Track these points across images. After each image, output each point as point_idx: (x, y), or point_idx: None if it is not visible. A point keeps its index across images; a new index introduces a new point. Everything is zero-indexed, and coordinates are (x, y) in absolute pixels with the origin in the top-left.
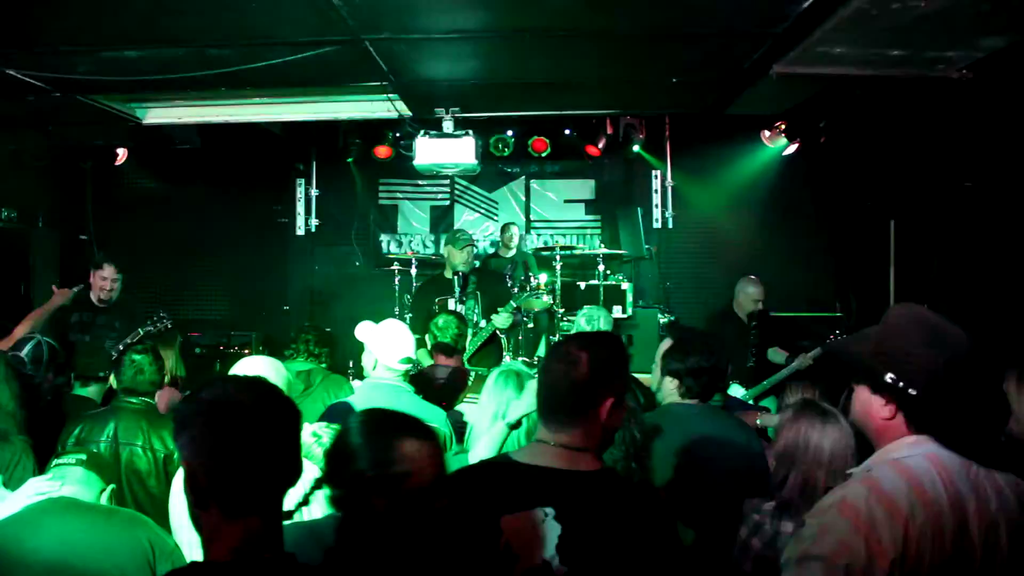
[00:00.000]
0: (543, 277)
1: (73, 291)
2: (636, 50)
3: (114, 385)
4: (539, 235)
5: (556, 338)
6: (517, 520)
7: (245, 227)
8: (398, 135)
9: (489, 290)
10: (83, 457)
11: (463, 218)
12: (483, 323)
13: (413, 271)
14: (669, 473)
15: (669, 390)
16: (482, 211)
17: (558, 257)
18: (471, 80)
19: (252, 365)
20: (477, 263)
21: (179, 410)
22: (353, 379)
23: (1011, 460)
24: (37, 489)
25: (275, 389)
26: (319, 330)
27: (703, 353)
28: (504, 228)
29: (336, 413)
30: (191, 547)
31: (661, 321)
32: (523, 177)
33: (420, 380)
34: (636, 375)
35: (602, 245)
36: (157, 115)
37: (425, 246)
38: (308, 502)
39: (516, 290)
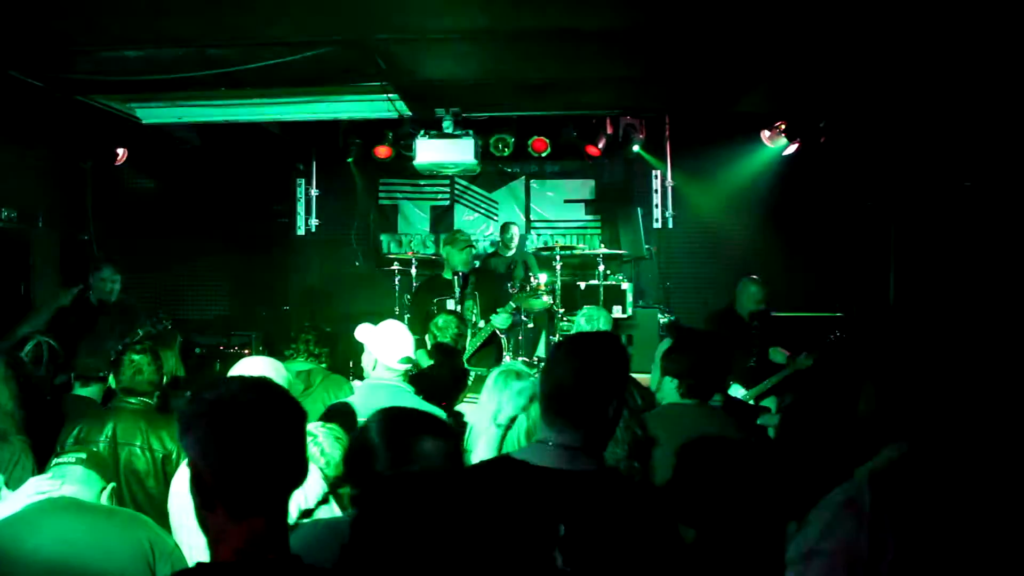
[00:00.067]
0: (543, 277)
1: (73, 291)
2: (635, 49)
3: (113, 385)
4: (539, 235)
5: (556, 338)
6: (519, 521)
7: (245, 227)
8: (398, 135)
9: (488, 290)
10: (83, 456)
11: (463, 218)
12: (482, 323)
13: (413, 271)
14: (669, 473)
15: (669, 390)
16: (482, 211)
17: (558, 257)
18: (471, 80)
19: (252, 365)
20: (477, 263)
21: (184, 411)
22: (353, 379)
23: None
24: (37, 488)
25: (280, 389)
26: (319, 330)
27: (703, 353)
28: (504, 228)
29: (336, 413)
30: (191, 547)
31: (661, 321)
32: (523, 177)
33: (420, 380)
34: (635, 375)
35: (602, 245)
36: (157, 115)
37: (425, 246)
38: (329, 500)
39: (516, 290)
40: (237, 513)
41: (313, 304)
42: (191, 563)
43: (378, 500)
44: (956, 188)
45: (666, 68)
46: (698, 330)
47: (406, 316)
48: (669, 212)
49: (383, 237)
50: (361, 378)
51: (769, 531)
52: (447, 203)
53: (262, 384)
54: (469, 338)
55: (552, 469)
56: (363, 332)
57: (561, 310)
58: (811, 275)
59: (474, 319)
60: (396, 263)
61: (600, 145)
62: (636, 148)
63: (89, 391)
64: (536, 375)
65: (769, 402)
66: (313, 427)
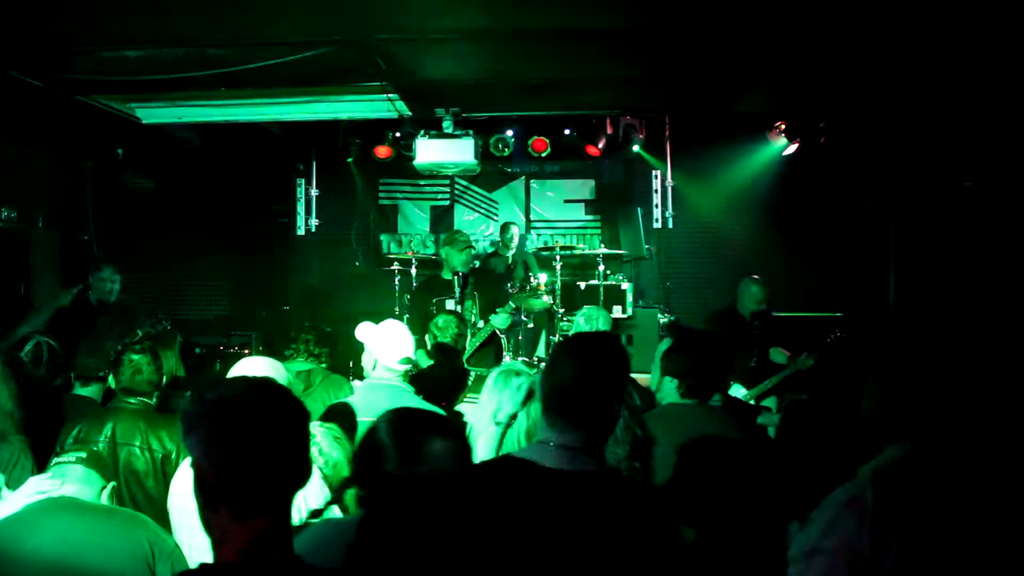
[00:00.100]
0: (543, 277)
1: (72, 291)
2: (635, 49)
3: (112, 385)
4: (539, 235)
5: (556, 338)
6: (523, 522)
7: (245, 227)
8: (398, 135)
9: (487, 291)
10: (83, 455)
11: (463, 218)
12: (481, 323)
13: (413, 271)
14: (669, 473)
15: (669, 390)
16: (482, 211)
17: (558, 257)
18: (471, 80)
19: (251, 366)
20: (477, 263)
21: (187, 411)
22: (353, 379)
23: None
24: (37, 488)
25: (283, 389)
26: (319, 330)
27: (703, 353)
28: (504, 228)
29: (335, 413)
30: (191, 547)
31: (661, 321)
32: (523, 177)
33: (420, 380)
34: (634, 375)
35: (602, 245)
36: (157, 115)
37: (425, 246)
38: (340, 500)
39: (516, 290)
40: (240, 513)
41: (313, 304)
42: (191, 563)
43: (386, 501)
44: (956, 188)
45: (666, 68)
46: (698, 330)
47: (405, 316)
48: (669, 212)
49: (383, 237)
50: (361, 378)
51: (769, 531)
52: (447, 203)
53: (265, 384)
54: (468, 338)
55: (554, 469)
56: (363, 331)
57: (561, 310)
58: (811, 275)
59: (473, 319)
60: (396, 263)
61: (600, 145)
62: (636, 148)
63: (89, 391)
64: (536, 375)
65: (769, 402)
66: (312, 427)
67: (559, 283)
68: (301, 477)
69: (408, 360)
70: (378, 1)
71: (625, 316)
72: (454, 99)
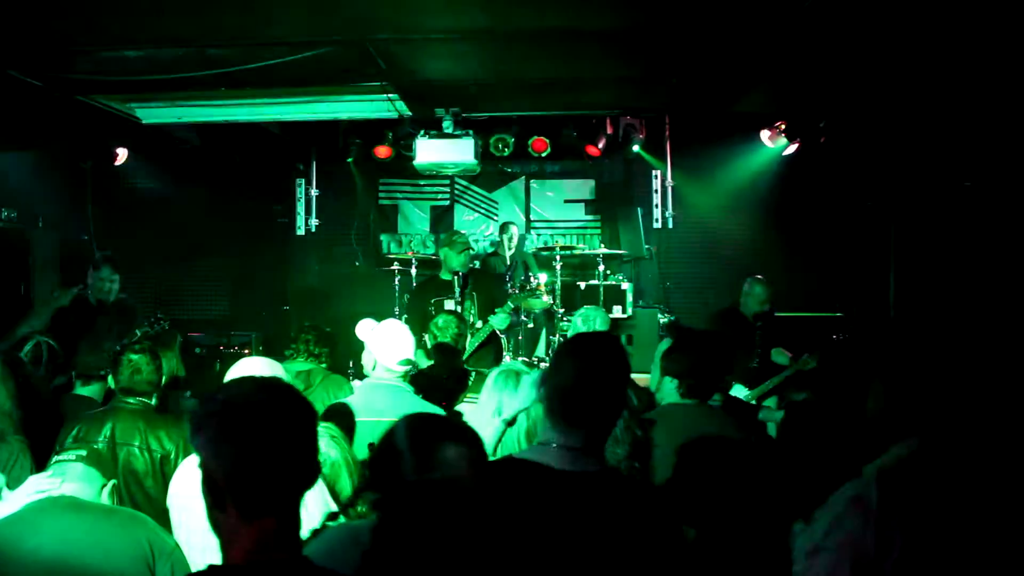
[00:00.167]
0: (543, 277)
1: (72, 291)
2: (636, 49)
3: (112, 385)
4: (539, 235)
5: (556, 338)
6: (525, 522)
7: (245, 227)
8: (398, 135)
9: (485, 291)
10: (83, 453)
11: (463, 218)
12: (479, 324)
13: (413, 271)
14: (669, 473)
15: (669, 390)
16: (482, 211)
17: (558, 257)
18: (471, 80)
19: (250, 366)
20: (477, 263)
21: (196, 411)
22: (353, 379)
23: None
24: (37, 487)
25: (291, 389)
26: (319, 330)
27: (703, 353)
28: (503, 227)
29: (334, 413)
30: (190, 547)
31: (661, 321)
32: (523, 177)
33: (420, 380)
34: (634, 375)
35: (602, 245)
36: (157, 115)
37: (425, 246)
38: (355, 504)
39: (516, 290)
40: (249, 514)
41: (313, 304)
42: (191, 563)
43: (402, 506)
44: (956, 188)
45: (666, 68)
46: (698, 330)
47: (404, 317)
48: (669, 212)
49: (383, 237)
50: (361, 378)
51: (769, 530)
52: (447, 203)
53: (273, 384)
54: (468, 338)
55: (560, 471)
56: (364, 330)
57: (561, 310)
58: (811, 275)
59: (472, 319)
60: (396, 263)
61: (600, 145)
62: (636, 148)
63: (90, 390)
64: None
65: (770, 403)
66: None
67: (559, 283)
68: (310, 477)
69: (408, 361)
70: (378, 1)
71: (625, 316)
72: (454, 99)
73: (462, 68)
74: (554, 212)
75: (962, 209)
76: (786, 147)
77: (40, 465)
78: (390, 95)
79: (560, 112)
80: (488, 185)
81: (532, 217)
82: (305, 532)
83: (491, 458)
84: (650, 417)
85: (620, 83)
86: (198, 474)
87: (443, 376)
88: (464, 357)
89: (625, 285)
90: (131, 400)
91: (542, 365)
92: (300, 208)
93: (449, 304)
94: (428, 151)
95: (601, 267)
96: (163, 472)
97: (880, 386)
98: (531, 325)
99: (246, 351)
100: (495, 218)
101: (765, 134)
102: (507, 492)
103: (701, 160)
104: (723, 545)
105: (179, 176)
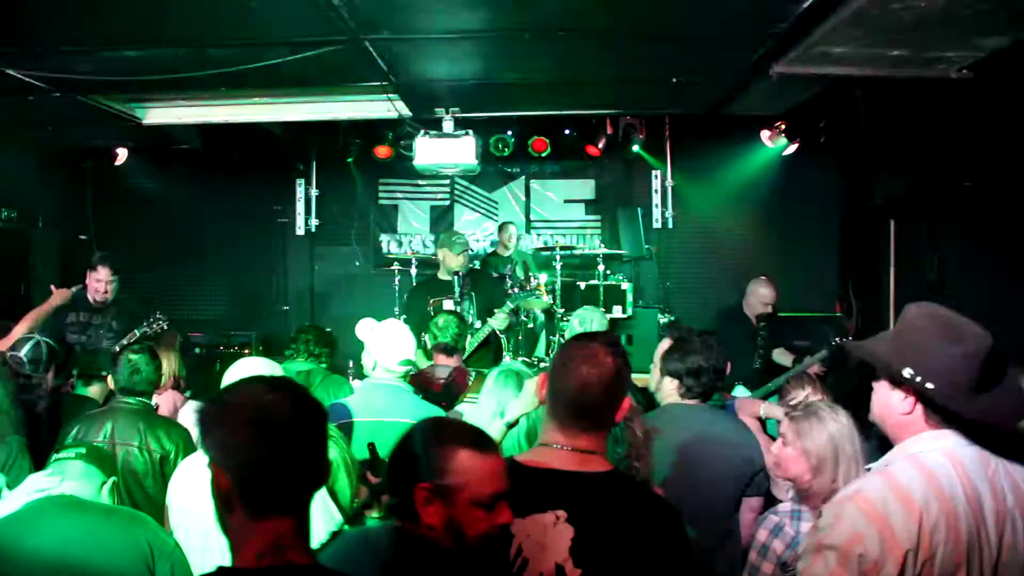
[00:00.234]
0: (543, 277)
1: (72, 291)
2: (636, 50)
3: (111, 385)
4: (539, 235)
5: (556, 338)
6: (529, 524)
7: (245, 227)
8: (398, 135)
9: (484, 291)
10: (82, 451)
11: (463, 218)
12: (478, 324)
13: (413, 271)
14: (667, 472)
15: (668, 390)
16: (482, 211)
17: (558, 257)
18: (471, 80)
19: (249, 366)
20: (477, 264)
21: (205, 411)
22: (353, 379)
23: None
24: (37, 485)
25: (301, 388)
26: (319, 330)
27: (702, 353)
28: (502, 227)
29: (334, 413)
30: (189, 548)
31: (661, 321)
32: (523, 177)
33: (420, 380)
34: (634, 375)
35: (602, 245)
36: (157, 115)
37: (425, 246)
38: (372, 506)
39: (516, 290)
40: (258, 515)
41: (313, 304)
42: (191, 563)
43: (418, 511)
44: (956, 188)
45: (666, 68)
46: (697, 330)
47: (402, 317)
48: (669, 212)
49: (383, 237)
50: (361, 378)
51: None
52: (447, 203)
53: (283, 384)
54: (468, 338)
55: (561, 471)
56: (364, 329)
57: (561, 310)
58: (811, 275)
59: (471, 320)
60: (396, 263)
61: (600, 145)
62: (636, 148)
63: (91, 390)
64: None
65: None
66: None
67: (559, 283)
68: (319, 478)
69: (408, 361)
70: (378, 1)
71: (625, 316)
72: (454, 99)
73: (462, 68)
74: (554, 212)
75: (962, 209)
76: (786, 147)
77: (39, 465)
78: (390, 95)
79: (560, 112)
80: (488, 185)
81: (532, 217)
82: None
83: None
84: (650, 417)
85: (620, 83)
86: (204, 474)
87: (443, 376)
88: (464, 357)
89: (625, 285)
90: (131, 400)
91: (542, 365)
92: (300, 208)
93: (448, 304)
94: (428, 151)
95: (601, 267)
96: (162, 472)
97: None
98: (531, 325)
99: (246, 351)
100: (495, 218)
101: (765, 134)
102: (527, 497)
103: (701, 160)
104: (723, 545)
105: (179, 176)
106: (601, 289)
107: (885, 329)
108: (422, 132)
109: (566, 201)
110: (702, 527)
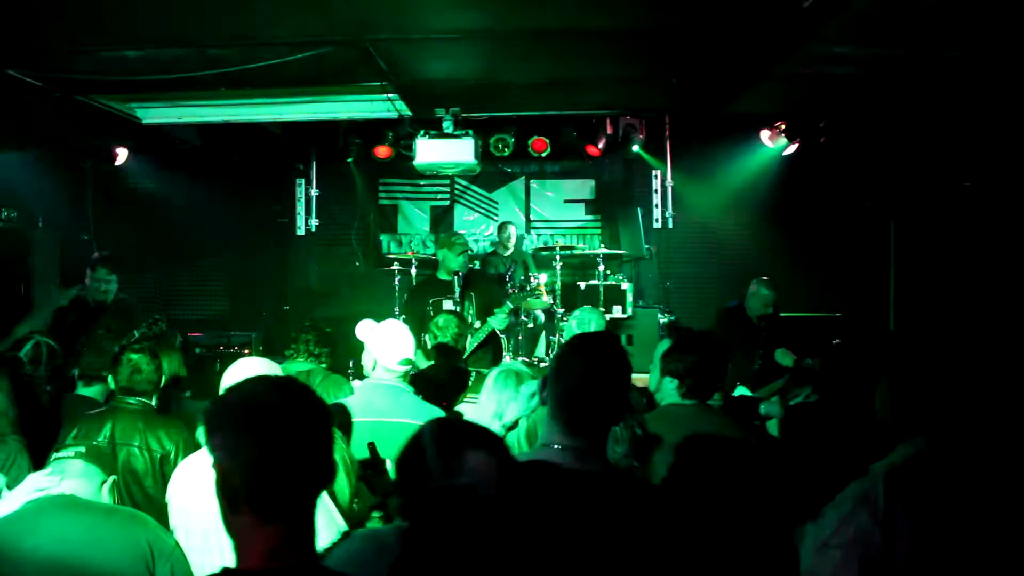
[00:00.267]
0: (543, 277)
1: (71, 291)
2: (636, 49)
3: (111, 385)
4: (539, 235)
5: (556, 338)
6: (532, 523)
7: (245, 227)
8: (398, 135)
9: (483, 291)
10: (82, 450)
11: (463, 218)
12: (477, 324)
13: (413, 271)
14: (666, 472)
15: (669, 390)
16: (482, 211)
17: (558, 257)
18: (471, 80)
19: (248, 366)
20: (476, 264)
21: (211, 411)
22: (353, 379)
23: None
24: (36, 484)
25: (307, 388)
26: (319, 330)
27: (702, 353)
28: (501, 227)
29: (333, 413)
30: (189, 548)
31: (661, 321)
32: (523, 177)
33: (420, 380)
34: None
35: (602, 245)
36: (157, 115)
37: (425, 246)
38: (387, 507)
39: (516, 290)
40: (264, 516)
41: (313, 304)
42: (191, 563)
43: (428, 512)
44: (956, 188)
45: (666, 68)
46: (698, 330)
47: (401, 317)
48: (669, 212)
49: (383, 237)
50: (361, 378)
51: (771, 529)
52: (447, 203)
53: (289, 383)
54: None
55: (571, 470)
56: (364, 330)
57: (561, 310)
58: (811, 275)
59: (470, 320)
60: (396, 263)
61: (600, 145)
62: (636, 148)
63: (92, 391)
64: (536, 376)
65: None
66: None
67: (559, 283)
68: (325, 478)
69: (408, 361)
70: (378, 1)
71: (625, 316)
72: (454, 99)
73: (462, 68)
74: (554, 212)
75: (962, 209)
76: (786, 147)
77: (39, 466)
78: (390, 95)
79: (560, 112)
80: (488, 185)
81: (532, 217)
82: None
83: None
84: (650, 417)
85: (620, 83)
86: (204, 474)
87: (443, 376)
88: (464, 357)
89: (625, 285)
90: (131, 400)
91: (542, 365)
92: (300, 208)
93: (447, 304)
94: (428, 151)
95: (601, 267)
96: (163, 472)
97: (887, 386)
98: (531, 325)
99: (246, 351)
100: (495, 218)
101: (765, 134)
102: (535, 497)
103: (701, 160)
104: (724, 544)
105: (179, 176)
106: (601, 289)
107: (886, 329)
108: (422, 132)
109: (566, 201)
110: (703, 526)
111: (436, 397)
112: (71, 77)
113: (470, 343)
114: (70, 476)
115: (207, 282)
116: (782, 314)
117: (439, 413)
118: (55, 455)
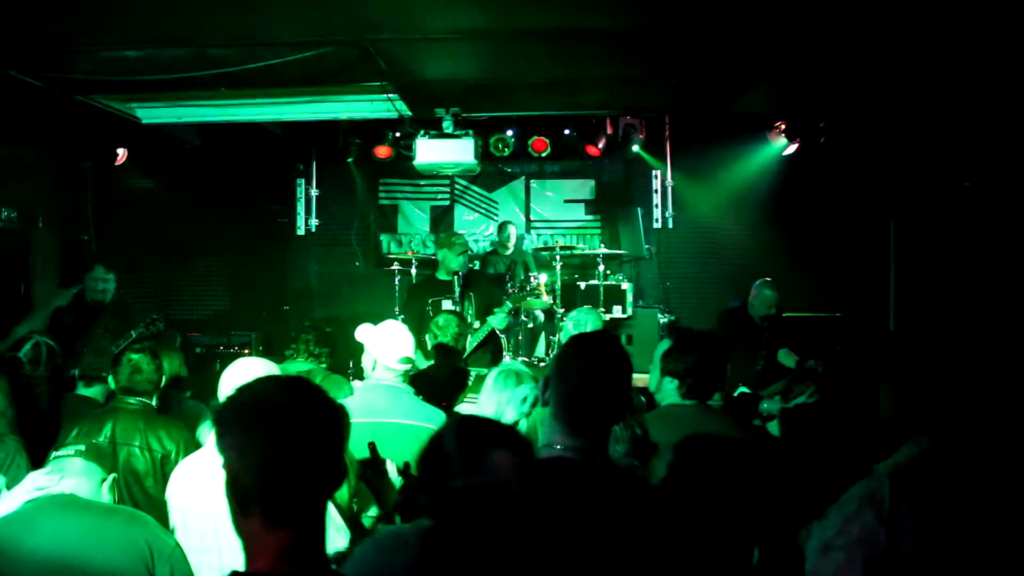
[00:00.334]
0: (543, 277)
1: (70, 292)
2: (636, 49)
3: (111, 385)
4: (539, 235)
5: (556, 338)
6: (534, 522)
7: (245, 227)
8: (398, 135)
9: (483, 291)
10: (82, 448)
11: (463, 218)
12: (477, 324)
13: (413, 271)
14: (666, 472)
15: (669, 390)
16: (482, 211)
17: (558, 257)
18: (471, 80)
19: (247, 366)
20: (476, 264)
21: (220, 412)
22: (353, 379)
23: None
24: (36, 483)
25: (319, 390)
26: (319, 330)
27: (702, 353)
28: (501, 227)
29: None
30: (189, 548)
31: (661, 321)
32: (523, 177)
33: (420, 380)
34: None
35: (602, 245)
36: (157, 115)
37: (425, 246)
38: (401, 508)
39: (516, 290)
40: (275, 519)
41: (313, 304)
42: (190, 563)
43: (450, 510)
44: (956, 188)
45: (666, 68)
46: (698, 330)
47: (401, 317)
48: (669, 212)
49: (383, 237)
50: (361, 378)
51: (771, 529)
52: (447, 203)
53: (300, 384)
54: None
55: (563, 470)
56: (363, 332)
57: (561, 310)
58: (811, 275)
59: (470, 320)
60: (396, 263)
61: (600, 145)
62: (636, 148)
63: (93, 391)
64: (535, 376)
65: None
66: None
67: (559, 283)
68: (336, 479)
69: (408, 360)
70: (378, 1)
71: (625, 316)
72: (454, 99)
73: (462, 68)
74: (554, 212)
75: (962, 209)
76: (786, 147)
77: (39, 466)
78: (390, 95)
79: (560, 112)
80: (488, 185)
81: (532, 217)
82: None
83: None
84: (650, 417)
85: (620, 83)
86: (204, 474)
87: (443, 376)
88: (464, 357)
89: (625, 285)
90: (131, 400)
91: (542, 365)
92: (300, 208)
93: (447, 304)
94: (428, 151)
95: (601, 267)
96: (163, 472)
97: (889, 387)
98: (531, 325)
99: (246, 351)
100: (495, 218)
101: (766, 134)
102: (548, 496)
103: (701, 160)
104: (724, 544)
105: (180, 176)
106: (601, 289)
107: (886, 329)
108: (422, 132)
109: (566, 201)
110: (703, 526)
111: (436, 397)
112: (71, 77)
113: (470, 343)
114: (70, 474)
115: (207, 282)
116: (786, 314)
117: (439, 413)
118: (55, 454)
